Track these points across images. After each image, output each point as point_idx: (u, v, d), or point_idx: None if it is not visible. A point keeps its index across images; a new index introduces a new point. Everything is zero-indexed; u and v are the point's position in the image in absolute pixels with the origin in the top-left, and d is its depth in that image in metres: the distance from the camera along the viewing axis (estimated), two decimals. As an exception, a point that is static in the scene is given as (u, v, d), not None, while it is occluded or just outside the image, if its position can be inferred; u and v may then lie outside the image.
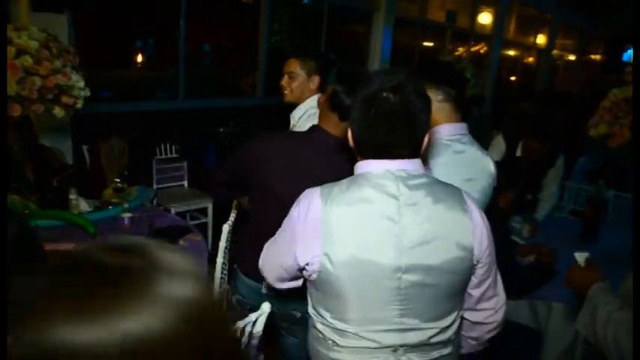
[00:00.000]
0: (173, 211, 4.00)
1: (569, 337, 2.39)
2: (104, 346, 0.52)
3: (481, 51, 10.41)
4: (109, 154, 4.03)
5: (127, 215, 2.63)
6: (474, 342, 1.50)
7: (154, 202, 3.99)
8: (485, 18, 9.97)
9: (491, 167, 1.85)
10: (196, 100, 5.21)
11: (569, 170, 4.77)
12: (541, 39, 12.80)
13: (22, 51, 2.29)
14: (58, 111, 2.45)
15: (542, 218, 3.30)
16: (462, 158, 1.78)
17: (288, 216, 1.35)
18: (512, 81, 12.44)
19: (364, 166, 1.28)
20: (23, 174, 2.90)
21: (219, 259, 2.37)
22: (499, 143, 3.55)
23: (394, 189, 1.22)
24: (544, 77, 13.15)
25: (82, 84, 2.53)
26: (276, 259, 1.41)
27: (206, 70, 5.72)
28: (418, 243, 1.21)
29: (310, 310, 1.40)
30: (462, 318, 1.42)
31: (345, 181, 1.30)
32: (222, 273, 2.40)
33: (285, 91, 2.43)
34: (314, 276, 1.28)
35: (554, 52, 13.75)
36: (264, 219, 1.84)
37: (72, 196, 2.73)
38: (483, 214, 1.31)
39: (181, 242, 2.50)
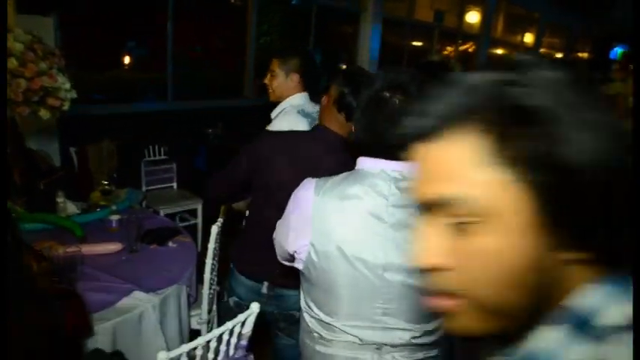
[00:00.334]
0: (162, 212, 3.98)
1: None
2: None
3: (469, 50, 10.46)
4: (98, 157, 4.01)
5: (115, 217, 2.62)
6: None
7: (143, 204, 3.97)
8: (472, 17, 10.01)
9: None
10: (185, 102, 5.19)
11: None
12: (528, 38, 12.88)
13: (8, 53, 2.27)
14: (43, 113, 2.43)
15: None
16: None
17: (288, 203, 1.38)
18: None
19: (361, 163, 1.30)
20: (10, 177, 2.88)
21: (209, 261, 2.36)
22: None
23: (385, 189, 1.23)
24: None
25: (68, 86, 2.51)
26: (277, 243, 1.44)
27: (195, 71, 5.70)
28: (402, 244, 1.22)
29: (301, 301, 1.42)
30: None
31: (341, 176, 1.32)
32: (211, 274, 2.40)
33: (269, 90, 2.46)
34: (301, 265, 1.30)
35: (542, 50, 13.84)
36: (266, 219, 1.85)
37: (59, 199, 2.71)
38: None
39: (171, 244, 2.49)
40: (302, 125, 2.20)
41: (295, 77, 2.37)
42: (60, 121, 3.60)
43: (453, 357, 1.53)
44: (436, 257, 0.57)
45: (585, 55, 15.68)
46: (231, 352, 1.72)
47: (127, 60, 5.12)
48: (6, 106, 2.21)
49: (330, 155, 1.80)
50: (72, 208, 2.77)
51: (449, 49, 9.84)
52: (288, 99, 2.37)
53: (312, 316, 1.36)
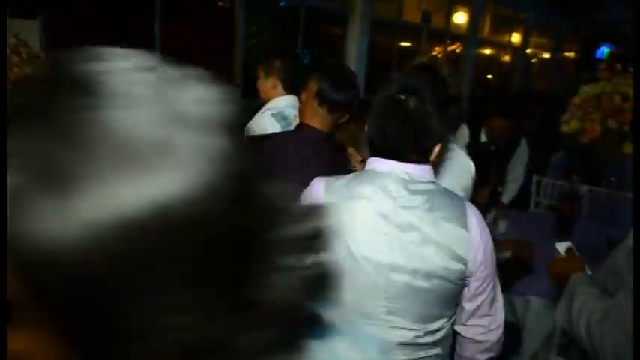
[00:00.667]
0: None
1: (546, 330, 2.43)
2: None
3: (457, 51, 10.51)
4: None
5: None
6: None
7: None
8: (460, 18, 10.07)
9: (472, 166, 1.93)
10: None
11: (544, 166, 4.85)
12: (516, 38, 12.97)
13: (-8, 57, 2.26)
14: (30, 117, 2.42)
15: (509, 199, 3.36)
16: (451, 158, 1.85)
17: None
18: (488, 80, 12.58)
19: (371, 164, 1.32)
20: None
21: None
22: (463, 133, 3.57)
23: (394, 190, 1.24)
24: (519, 76, 13.32)
25: (54, 90, 2.50)
26: None
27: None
28: (410, 245, 1.23)
29: None
30: (456, 333, 1.43)
31: (350, 175, 1.35)
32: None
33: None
34: None
35: (529, 50, 13.94)
36: None
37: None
38: (486, 232, 1.31)
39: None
40: (274, 128, 2.19)
41: (273, 79, 2.37)
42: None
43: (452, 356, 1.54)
44: None
45: (572, 54, 15.82)
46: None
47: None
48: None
49: (313, 153, 1.80)
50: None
51: (437, 49, 9.89)
52: (271, 101, 2.37)
53: None
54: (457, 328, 1.43)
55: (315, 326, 0.56)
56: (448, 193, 1.33)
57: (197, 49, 5.85)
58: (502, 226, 2.98)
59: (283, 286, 0.42)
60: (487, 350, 1.45)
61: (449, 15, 9.77)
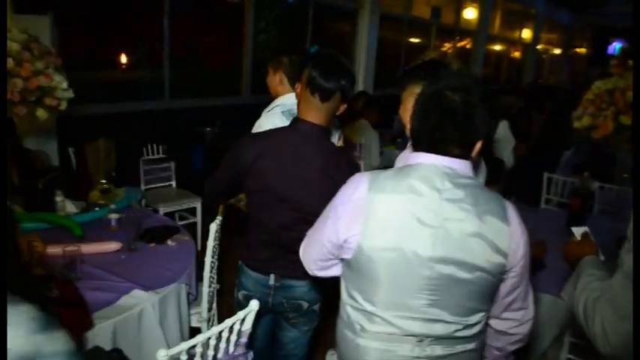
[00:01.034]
0: (161, 211, 3.98)
1: (557, 329, 2.42)
2: None
3: (467, 46, 10.46)
4: (96, 156, 4.00)
5: (114, 217, 2.62)
6: (497, 352, 1.52)
7: (143, 202, 3.97)
8: (470, 13, 10.02)
9: (484, 165, 1.96)
10: (182, 100, 5.19)
11: (555, 163, 4.82)
12: (526, 33, 12.89)
13: (3, 53, 2.27)
14: (41, 113, 2.43)
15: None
16: None
17: (334, 198, 1.40)
18: (498, 75, 12.51)
19: (414, 158, 1.33)
20: (8, 177, 2.88)
21: (208, 259, 2.36)
22: None
23: (439, 183, 1.26)
24: (530, 71, 13.24)
25: (65, 85, 2.51)
26: (319, 241, 1.43)
27: (192, 69, 5.69)
28: (455, 238, 1.25)
29: (342, 293, 1.43)
30: (487, 325, 1.44)
31: (393, 169, 1.36)
32: (211, 272, 2.40)
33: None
34: (350, 254, 1.32)
35: (540, 46, 13.85)
36: (266, 217, 1.88)
37: (58, 199, 2.71)
38: (523, 227, 1.33)
39: (170, 242, 2.50)
40: (282, 125, 2.19)
41: (280, 75, 2.36)
42: (58, 121, 3.60)
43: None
44: None
45: (583, 50, 15.69)
46: (231, 349, 1.72)
47: (123, 59, 5.11)
48: (6, 106, 2.20)
49: (313, 147, 1.80)
50: (71, 207, 2.77)
51: (446, 45, 9.84)
52: (280, 97, 2.36)
53: (354, 308, 1.37)
54: (490, 321, 1.44)
55: None
56: (486, 189, 1.35)
57: (206, 45, 5.86)
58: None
59: None
60: (517, 342, 1.48)
61: (459, 10, 9.72)
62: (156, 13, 4.81)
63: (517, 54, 13.25)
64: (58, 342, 1.06)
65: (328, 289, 1.90)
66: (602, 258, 1.59)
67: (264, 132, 1.95)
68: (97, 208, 2.82)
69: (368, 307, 1.33)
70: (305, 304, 1.96)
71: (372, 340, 1.34)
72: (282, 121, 2.18)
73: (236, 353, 1.73)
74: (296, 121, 1.85)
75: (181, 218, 4.43)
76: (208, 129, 5.06)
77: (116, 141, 4.20)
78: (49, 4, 3.69)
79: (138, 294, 1.98)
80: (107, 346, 1.69)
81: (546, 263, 2.56)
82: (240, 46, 5.73)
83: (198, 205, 4.34)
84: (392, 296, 1.29)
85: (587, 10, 13.06)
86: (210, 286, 2.43)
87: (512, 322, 1.43)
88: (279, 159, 1.80)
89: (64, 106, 2.53)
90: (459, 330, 1.31)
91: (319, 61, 1.78)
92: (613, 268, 1.38)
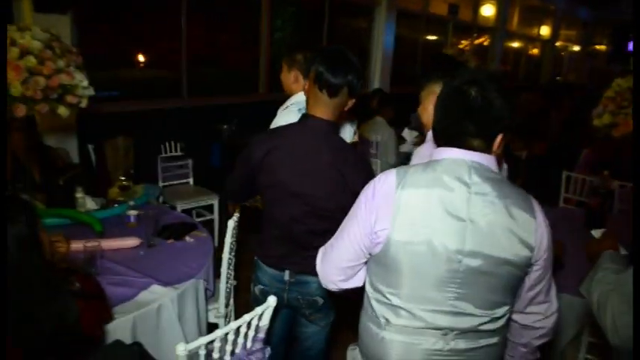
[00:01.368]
0: (179, 208, 4.02)
1: (575, 329, 2.40)
2: None
3: (484, 43, 10.38)
4: (115, 153, 4.05)
5: (132, 213, 2.65)
6: (523, 349, 1.52)
7: (160, 199, 4.02)
8: (487, 10, 9.93)
9: (504, 164, 1.98)
10: (200, 98, 5.22)
11: (574, 161, 4.77)
12: (545, 30, 12.75)
13: (26, 51, 2.31)
14: (62, 110, 2.47)
15: None
16: None
17: (360, 195, 1.41)
18: (516, 72, 12.39)
19: (440, 153, 1.35)
20: (30, 174, 2.93)
21: (226, 255, 2.38)
22: None
23: (466, 177, 1.28)
24: (549, 69, 13.10)
25: (85, 83, 2.54)
26: (346, 244, 1.43)
27: (209, 67, 5.72)
28: (482, 231, 1.26)
29: (367, 287, 1.45)
30: (512, 321, 1.45)
31: (421, 164, 1.37)
32: (228, 268, 2.42)
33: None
34: (378, 248, 1.34)
35: (559, 43, 13.69)
36: (278, 212, 1.91)
37: (78, 195, 2.75)
38: (547, 221, 1.34)
39: (187, 238, 2.52)
40: None
41: (295, 73, 2.37)
42: (78, 119, 3.65)
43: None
44: None
45: (603, 47, 15.46)
46: (249, 344, 1.74)
47: (141, 57, 5.15)
48: (6, 107, 2.23)
49: (321, 142, 1.82)
50: (91, 203, 2.81)
51: (464, 42, 9.77)
52: (294, 95, 2.37)
53: (379, 301, 1.39)
54: (514, 316, 1.45)
55: None
56: (512, 184, 1.36)
57: (223, 43, 5.89)
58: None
59: None
60: (543, 336, 1.48)
61: (476, 7, 9.64)
62: (174, 11, 4.85)
63: (535, 51, 13.12)
64: None
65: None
66: (622, 252, 1.59)
67: (274, 129, 1.98)
68: (116, 205, 2.86)
69: (394, 300, 1.34)
70: (320, 300, 1.97)
71: (396, 334, 1.35)
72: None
73: (253, 349, 1.75)
74: (305, 117, 1.87)
75: (199, 215, 4.47)
76: (225, 126, 5.09)
77: (135, 138, 4.25)
78: (69, 3, 3.74)
79: (157, 289, 2.01)
80: (127, 341, 1.71)
81: (564, 262, 2.54)
82: (256, 43, 5.75)
83: (215, 202, 4.38)
84: (418, 289, 1.31)
85: (607, 5, 12.87)
86: (227, 282, 2.45)
87: (537, 315, 1.43)
88: (290, 154, 1.82)
89: (84, 103, 2.56)
90: (484, 323, 1.32)
91: (326, 56, 1.79)
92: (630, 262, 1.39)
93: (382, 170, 2.27)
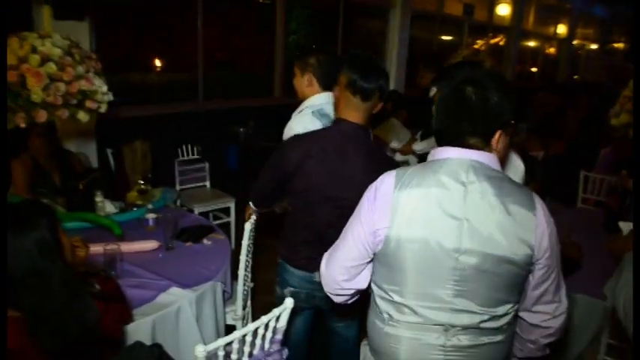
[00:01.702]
0: (196, 211, 4.06)
1: (594, 330, 2.38)
2: None
3: (500, 43, 10.30)
4: (133, 157, 4.10)
5: (151, 216, 2.69)
6: (532, 346, 1.53)
7: (178, 202, 4.06)
8: (503, 9, 9.86)
9: (522, 165, 1.97)
10: (216, 102, 5.27)
11: (591, 161, 4.72)
12: (561, 29, 12.61)
13: (47, 58, 2.35)
14: (82, 116, 2.51)
15: None
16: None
17: (365, 194, 1.44)
18: (533, 72, 12.28)
19: (440, 153, 1.37)
20: (50, 179, 2.98)
21: (243, 257, 2.40)
22: None
23: (464, 176, 1.30)
24: (566, 67, 12.96)
25: (104, 89, 2.59)
26: (350, 243, 1.45)
27: (224, 71, 5.77)
28: (480, 230, 1.27)
29: (372, 285, 1.47)
30: (520, 318, 1.46)
31: (420, 165, 1.40)
32: (245, 271, 2.44)
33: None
34: (379, 247, 1.37)
35: (576, 41, 13.54)
36: (311, 216, 1.95)
37: (98, 199, 2.79)
38: (551, 220, 1.34)
39: (205, 241, 2.55)
40: (314, 126, 2.22)
41: (309, 76, 2.37)
42: (97, 124, 3.70)
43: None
44: None
45: (621, 45, 15.24)
46: (267, 346, 1.75)
47: (158, 62, 5.21)
48: (6, 107, 2.27)
49: (355, 146, 1.87)
50: (110, 207, 2.86)
51: (479, 42, 9.71)
52: (308, 99, 2.38)
53: (383, 298, 1.42)
54: (522, 314, 1.45)
55: None
56: (514, 182, 1.36)
57: (238, 47, 5.93)
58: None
59: None
60: (550, 335, 1.47)
61: (492, 7, 9.58)
62: (189, 16, 4.90)
63: (552, 50, 12.98)
64: None
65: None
66: None
67: (306, 134, 2.00)
68: (135, 208, 2.90)
69: (396, 297, 1.37)
70: None
71: (399, 329, 1.38)
72: (313, 122, 2.22)
73: (271, 350, 1.77)
74: (337, 121, 1.92)
75: (215, 218, 4.51)
76: (242, 129, 5.13)
77: (152, 142, 4.30)
78: (87, 9, 3.80)
79: (175, 291, 2.04)
80: (146, 342, 1.74)
81: (582, 264, 2.52)
82: (271, 46, 5.78)
83: (232, 205, 4.41)
84: (418, 287, 1.33)
85: (625, 2, 12.70)
86: (244, 285, 2.47)
87: (544, 315, 1.43)
88: (325, 159, 1.86)
89: (103, 108, 2.60)
90: (485, 321, 1.32)
91: (358, 63, 1.86)
92: None
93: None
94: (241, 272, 2.42)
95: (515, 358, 1.57)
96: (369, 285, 1.49)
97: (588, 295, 2.34)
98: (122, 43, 4.82)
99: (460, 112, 1.32)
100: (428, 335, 1.34)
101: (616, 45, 15.29)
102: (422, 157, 3.20)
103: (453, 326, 1.32)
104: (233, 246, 3.73)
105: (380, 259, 1.40)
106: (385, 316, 1.40)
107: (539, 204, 1.32)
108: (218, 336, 2.19)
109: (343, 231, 1.50)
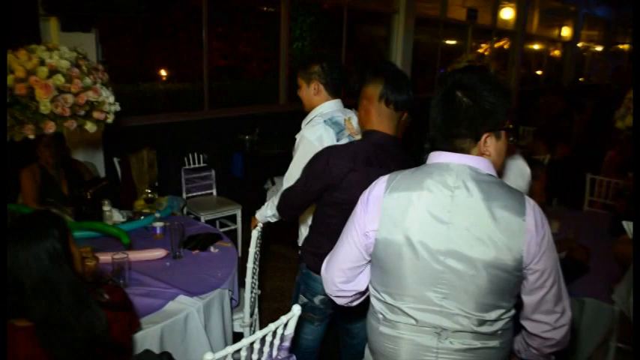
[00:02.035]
0: (203, 218, 4.07)
1: (602, 333, 2.37)
2: None
3: (504, 46, 10.30)
4: (140, 166, 4.13)
5: (158, 225, 2.71)
6: (535, 352, 1.52)
7: (184, 210, 4.08)
8: (507, 13, 9.87)
9: (527, 169, 1.99)
10: (221, 110, 5.30)
11: (598, 163, 4.71)
12: (566, 31, 12.59)
13: (55, 70, 2.38)
14: (90, 126, 2.54)
15: None
16: (510, 160, 1.94)
17: (360, 198, 1.47)
18: (537, 75, 12.26)
19: (432, 157, 1.40)
20: (58, 188, 3.01)
21: (250, 265, 2.41)
22: None
23: (451, 180, 1.31)
24: (570, 70, 12.93)
25: (112, 99, 2.61)
26: (347, 246, 1.48)
27: (229, 79, 5.80)
28: (462, 233, 1.28)
29: (369, 286, 1.50)
30: (521, 325, 1.45)
31: (413, 169, 1.42)
32: (252, 278, 2.45)
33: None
34: (371, 250, 1.40)
35: (580, 43, 13.51)
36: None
37: (106, 208, 2.81)
38: (544, 227, 1.31)
39: (212, 249, 2.56)
40: (328, 135, 2.23)
41: (315, 84, 2.37)
42: (104, 133, 3.74)
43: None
44: None
45: (626, 47, 15.19)
46: (274, 353, 1.76)
47: (163, 72, 5.25)
48: (6, 108, 2.30)
49: (393, 158, 1.90)
50: (117, 216, 2.88)
51: (483, 46, 9.72)
52: (317, 107, 2.38)
53: (377, 299, 1.44)
54: (523, 322, 1.45)
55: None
56: (507, 186, 1.35)
57: (243, 55, 5.96)
58: (554, 226, 2.92)
59: None
60: (553, 346, 1.46)
61: (495, 10, 9.59)
62: (194, 25, 4.94)
63: (557, 52, 12.96)
64: None
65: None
66: None
67: (344, 146, 2.02)
68: (142, 217, 2.92)
69: (387, 298, 1.39)
70: None
71: (392, 329, 1.40)
72: (327, 130, 2.22)
73: (279, 357, 1.77)
74: (370, 133, 1.94)
75: (222, 225, 4.52)
76: (247, 137, 5.15)
77: (158, 151, 4.33)
78: (93, 21, 3.84)
79: (183, 299, 2.05)
80: (155, 350, 1.75)
81: (590, 267, 2.52)
82: (276, 54, 5.81)
83: (238, 212, 4.42)
84: (407, 289, 1.34)
85: (630, 3, 12.67)
86: (252, 292, 2.48)
87: (545, 325, 1.41)
88: (365, 171, 1.87)
89: (111, 119, 2.63)
90: (476, 325, 1.32)
91: (389, 76, 1.89)
92: None
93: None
94: (249, 280, 2.43)
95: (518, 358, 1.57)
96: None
97: (596, 299, 2.34)
98: (128, 53, 4.86)
99: (448, 116, 1.33)
100: (421, 337, 1.35)
101: (621, 46, 15.25)
102: None
103: (445, 329, 1.33)
104: (239, 253, 3.74)
105: (373, 261, 1.43)
106: (380, 316, 1.43)
107: (530, 209, 1.30)
108: (226, 343, 2.20)
109: (341, 234, 1.52)
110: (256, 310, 2.65)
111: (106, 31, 4.21)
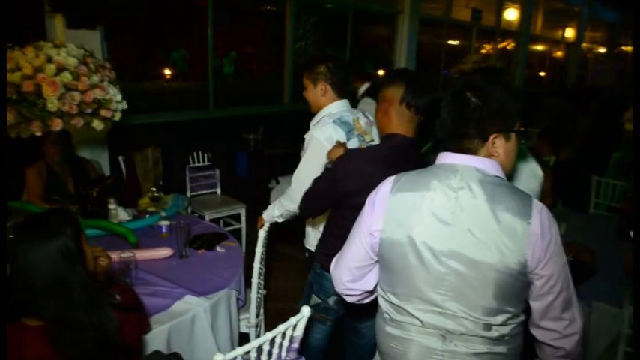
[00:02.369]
0: (207, 218, 4.07)
1: (610, 336, 2.36)
2: None
3: (508, 47, 10.29)
4: (144, 164, 4.12)
5: (164, 223, 2.70)
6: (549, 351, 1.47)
7: (189, 209, 4.07)
8: (511, 14, 9.86)
9: (539, 171, 1.99)
10: (226, 109, 5.29)
11: (603, 165, 4.69)
12: (569, 33, 12.58)
13: (62, 68, 2.37)
14: (97, 124, 2.53)
15: None
16: (522, 162, 1.94)
17: (367, 198, 1.47)
18: (541, 76, 12.25)
19: (439, 159, 1.39)
20: (64, 186, 3.01)
21: (256, 265, 2.40)
22: None
23: (456, 182, 1.30)
24: (574, 71, 12.92)
25: (119, 97, 2.60)
26: (355, 245, 1.48)
27: (234, 78, 5.80)
28: (466, 235, 1.27)
29: (378, 287, 1.50)
30: (531, 332, 1.42)
31: (419, 170, 1.42)
32: (258, 278, 2.44)
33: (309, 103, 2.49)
34: (377, 249, 1.40)
35: (584, 45, 13.49)
36: None
37: (111, 206, 2.81)
38: (551, 231, 1.28)
39: (218, 248, 2.56)
40: (338, 135, 2.22)
41: (323, 85, 2.35)
42: (109, 131, 3.73)
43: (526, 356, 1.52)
44: None
45: (630, 48, 15.16)
46: (283, 354, 1.75)
47: (168, 70, 5.25)
48: (6, 108, 2.29)
49: (414, 161, 1.85)
50: (123, 214, 2.87)
51: (487, 47, 9.71)
52: (325, 108, 2.36)
53: (384, 299, 1.44)
54: (532, 330, 1.42)
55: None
56: (514, 189, 1.33)
57: (248, 54, 5.96)
58: (561, 228, 2.91)
59: None
60: (563, 357, 1.41)
61: (499, 11, 9.58)
62: (200, 25, 4.93)
63: (560, 54, 12.95)
64: None
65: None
66: None
67: (367, 150, 2.03)
68: (147, 216, 2.91)
69: (393, 299, 1.39)
70: None
71: (398, 329, 1.40)
72: (337, 130, 2.21)
73: (288, 358, 1.77)
74: (391, 137, 1.94)
75: (226, 224, 4.52)
76: (251, 136, 5.15)
77: (163, 149, 4.32)
78: (99, 18, 3.83)
79: (190, 299, 2.04)
80: (162, 350, 1.74)
81: (597, 270, 2.51)
82: (281, 53, 5.80)
83: (242, 212, 4.42)
84: (411, 289, 1.34)
85: (634, 4, 12.65)
86: (258, 292, 2.47)
87: (554, 333, 1.37)
88: (385, 167, 1.83)
89: (118, 117, 2.62)
90: (481, 329, 1.30)
91: (411, 81, 1.90)
92: None
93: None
94: (255, 280, 2.42)
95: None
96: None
97: (603, 301, 2.33)
98: (133, 51, 4.86)
99: (457, 116, 1.33)
100: (426, 338, 1.35)
101: (625, 48, 15.22)
102: None
103: (450, 332, 1.32)
104: (244, 253, 3.73)
105: (379, 260, 1.43)
106: (386, 316, 1.43)
107: (537, 213, 1.27)
108: (232, 344, 2.19)
109: (350, 233, 1.52)
110: (262, 310, 2.65)
111: (112, 29, 4.20)
